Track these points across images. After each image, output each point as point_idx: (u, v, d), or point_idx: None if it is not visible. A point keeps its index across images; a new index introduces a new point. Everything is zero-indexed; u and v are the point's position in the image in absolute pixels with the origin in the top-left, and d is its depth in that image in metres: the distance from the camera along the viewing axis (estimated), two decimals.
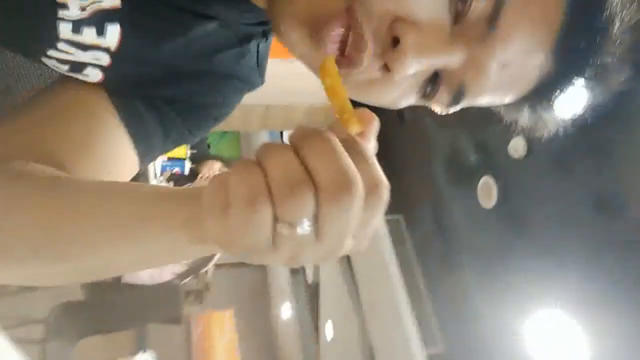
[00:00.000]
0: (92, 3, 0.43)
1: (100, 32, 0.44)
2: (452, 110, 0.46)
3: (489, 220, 2.68)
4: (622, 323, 1.78)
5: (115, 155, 0.50)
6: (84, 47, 0.45)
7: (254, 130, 4.02)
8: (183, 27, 0.48)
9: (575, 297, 2.02)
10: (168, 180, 2.83)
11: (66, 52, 0.46)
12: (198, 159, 2.87)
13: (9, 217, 0.39)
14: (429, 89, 0.43)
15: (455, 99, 0.44)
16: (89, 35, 0.44)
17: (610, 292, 1.84)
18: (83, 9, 0.43)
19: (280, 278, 4.74)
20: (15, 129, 0.48)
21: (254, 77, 0.56)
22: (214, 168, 2.89)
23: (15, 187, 0.41)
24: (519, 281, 2.42)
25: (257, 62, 0.55)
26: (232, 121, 3.38)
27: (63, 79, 0.51)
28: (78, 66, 0.48)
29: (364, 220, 0.28)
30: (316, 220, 0.28)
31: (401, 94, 0.44)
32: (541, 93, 0.45)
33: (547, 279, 2.24)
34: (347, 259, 3.66)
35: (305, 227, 0.28)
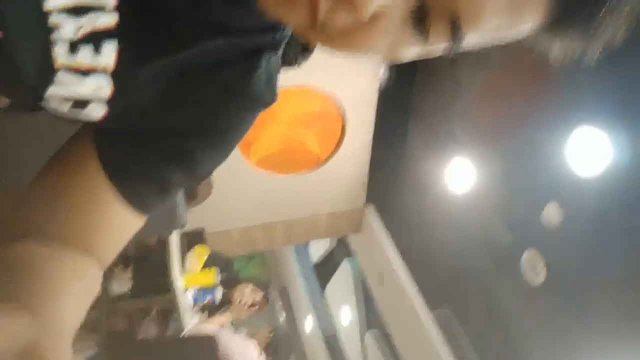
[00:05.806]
0: (87, 23, 0.42)
1: (97, 49, 0.43)
2: (459, 48, 0.39)
3: (543, 297, 2.47)
4: None
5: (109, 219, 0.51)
6: (84, 73, 0.43)
7: (279, 247, 3.95)
8: (184, 42, 0.46)
9: None
10: (202, 310, 2.72)
11: (66, 85, 0.44)
12: (228, 284, 2.78)
13: None
14: (419, 27, 0.37)
15: (454, 32, 0.37)
16: (85, 53, 0.42)
17: None
18: (78, 29, 0.41)
19: None
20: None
21: (265, 93, 0.53)
22: (246, 291, 2.79)
23: None
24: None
25: (267, 79, 0.52)
26: (257, 243, 3.34)
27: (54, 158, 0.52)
28: (80, 103, 0.46)
29: None
30: None
31: (390, 38, 0.38)
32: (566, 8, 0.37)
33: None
34: None
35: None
